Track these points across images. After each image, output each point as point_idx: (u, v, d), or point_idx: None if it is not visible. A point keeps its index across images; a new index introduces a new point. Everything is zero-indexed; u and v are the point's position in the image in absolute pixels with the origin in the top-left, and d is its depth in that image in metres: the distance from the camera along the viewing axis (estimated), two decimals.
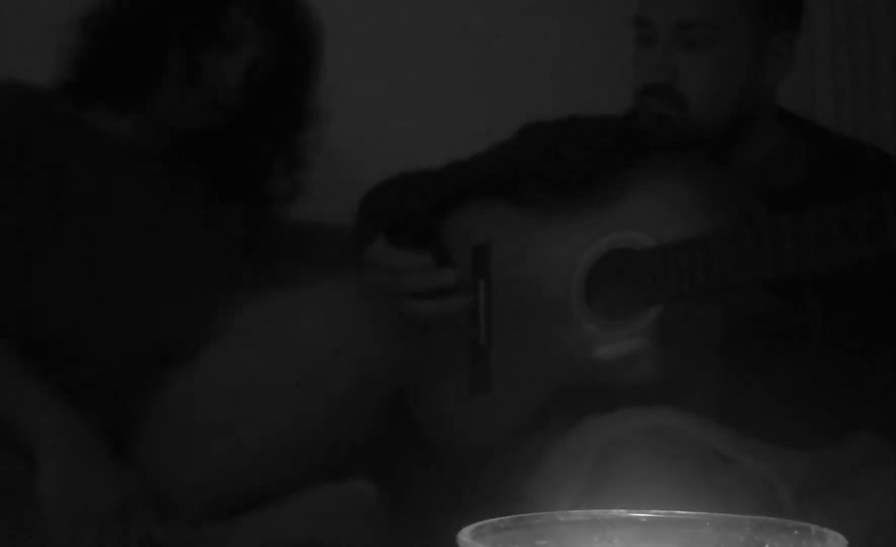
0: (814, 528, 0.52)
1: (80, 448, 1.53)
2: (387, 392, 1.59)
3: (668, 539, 0.54)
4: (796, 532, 0.52)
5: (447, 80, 2.31)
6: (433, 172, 1.87)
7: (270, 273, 1.79)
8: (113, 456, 1.56)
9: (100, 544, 1.48)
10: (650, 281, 1.61)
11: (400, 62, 2.30)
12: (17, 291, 1.64)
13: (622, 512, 0.55)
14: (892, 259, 1.48)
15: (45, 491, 1.48)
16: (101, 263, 1.68)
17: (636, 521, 0.55)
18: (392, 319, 1.62)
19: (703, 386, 1.60)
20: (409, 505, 1.59)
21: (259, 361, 1.57)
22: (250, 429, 1.54)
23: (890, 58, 2.41)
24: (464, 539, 0.51)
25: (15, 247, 1.64)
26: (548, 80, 2.32)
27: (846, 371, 1.63)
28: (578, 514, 0.54)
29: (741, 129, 1.70)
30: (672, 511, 0.55)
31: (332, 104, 2.26)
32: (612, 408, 1.57)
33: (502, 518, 0.53)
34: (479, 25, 2.34)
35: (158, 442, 1.59)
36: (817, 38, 2.38)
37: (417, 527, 1.52)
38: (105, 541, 1.48)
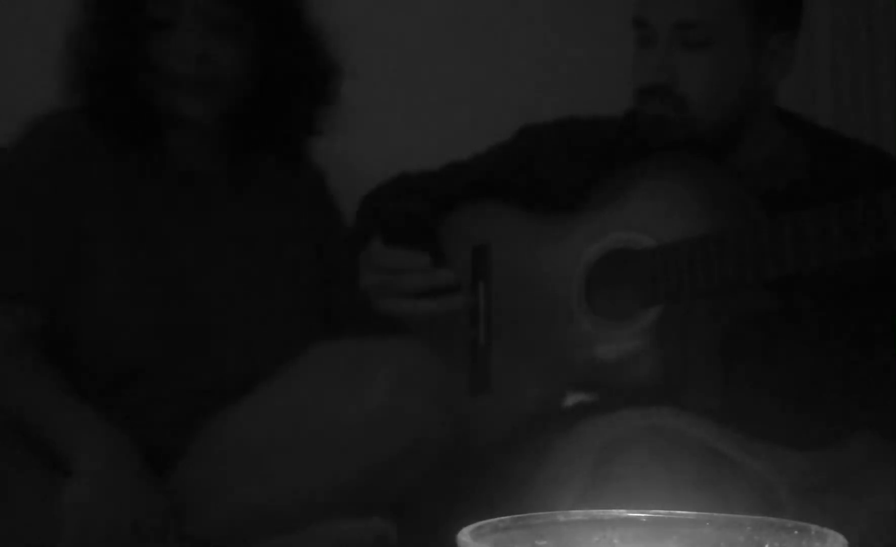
0: (814, 528, 0.52)
1: (112, 464, 1.52)
2: (435, 457, 1.56)
3: (668, 539, 0.54)
4: (796, 532, 0.52)
5: (447, 81, 2.31)
6: (432, 173, 1.87)
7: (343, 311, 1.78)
8: (149, 475, 1.55)
9: None
10: (650, 281, 1.61)
11: (399, 63, 2.29)
12: (92, 310, 1.64)
13: (622, 512, 0.55)
14: (891, 259, 1.48)
15: (68, 498, 1.48)
16: (177, 285, 1.67)
17: (636, 521, 0.55)
18: (447, 386, 1.59)
19: (703, 386, 1.60)
20: (409, 505, 1.59)
21: (313, 407, 1.55)
22: (292, 472, 1.53)
23: (890, 58, 2.41)
24: (464, 539, 0.51)
25: (92, 268, 1.64)
26: (547, 80, 2.32)
27: (846, 371, 1.63)
28: (578, 514, 0.54)
29: (741, 130, 1.70)
30: (672, 511, 0.55)
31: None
32: (612, 408, 1.57)
33: (502, 518, 0.53)
34: (478, 26, 2.34)
35: (201, 466, 1.57)
36: (817, 38, 2.38)
37: (418, 527, 1.52)
38: None
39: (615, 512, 0.55)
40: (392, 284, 1.71)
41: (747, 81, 1.69)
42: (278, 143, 1.76)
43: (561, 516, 0.54)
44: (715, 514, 0.54)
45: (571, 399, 1.66)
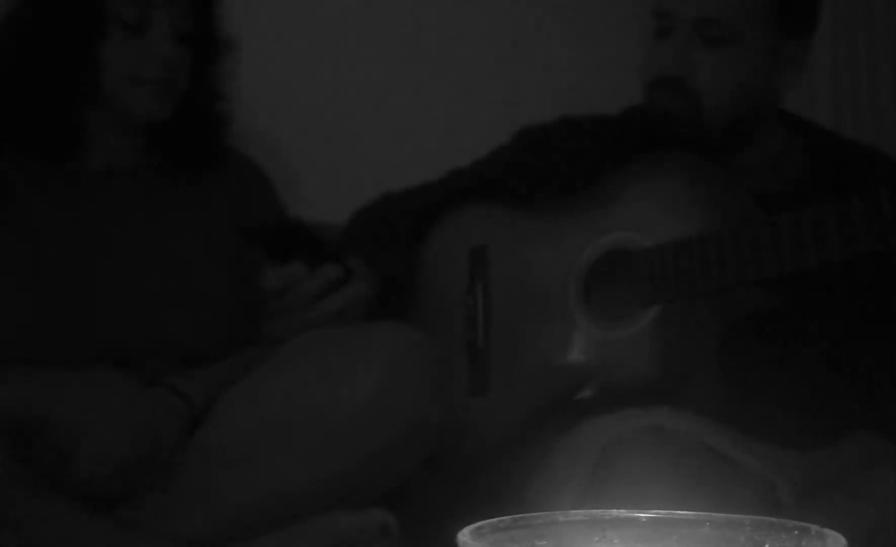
0: (814, 528, 0.52)
1: (106, 383, 1.54)
2: (431, 443, 1.55)
3: (668, 539, 0.54)
4: (796, 532, 0.52)
5: (447, 83, 2.31)
6: (416, 189, 1.86)
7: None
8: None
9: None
10: (649, 281, 1.61)
11: (399, 64, 2.30)
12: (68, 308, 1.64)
13: (622, 512, 0.55)
14: (890, 258, 1.48)
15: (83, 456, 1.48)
16: (128, 288, 1.68)
17: (636, 521, 0.55)
18: (440, 370, 1.57)
19: (702, 386, 1.60)
20: (409, 506, 1.59)
21: (304, 396, 1.52)
22: (285, 464, 1.50)
23: (890, 59, 2.41)
24: (464, 539, 0.51)
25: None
26: (547, 81, 2.32)
27: (845, 371, 1.63)
28: (578, 514, 0.54)
29: (748, 133, 1.70)
30: (672, 511, 0.55)
31: (333, 104, 2.26)
32: (611, 408, 1.57)
33: (502, 518, 0.53)
34: (478, 27, 2.34)
35: (190, 463, 1.55)
36: (817, 38, 2.38)
37: (418, 527, 1.52)
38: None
39: (615, 512, 0.55)
40: (283, 306, 1.65)
41: (760, 84, 1.68)
42: (195, 144, 1.80)
43: (561, 516, 0.54)
44: (715, 514, 0.54)
45: (570, 399, 1.66)
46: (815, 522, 0.52)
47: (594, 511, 0.54)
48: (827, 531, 0.52)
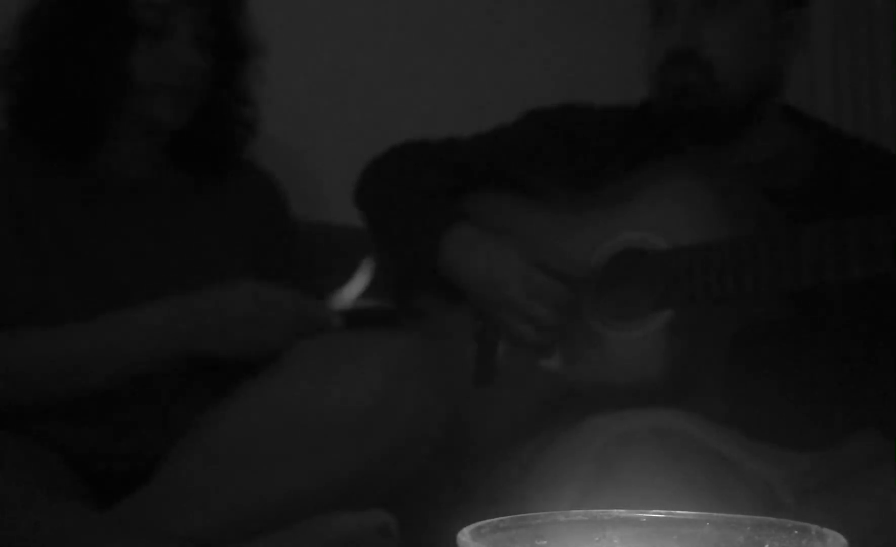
0: (814, 528, 0.52)
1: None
2: (433, 446, 1.56)
3: (668, 539, 0.54)
4: (796, 532, 0.52)
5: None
6: (442, 146, 1.86)
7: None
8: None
9: None
10: (664, 284, 1.61)
11: (401, 60, 2.30)
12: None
13: (622, 512, 0.55)
14: None
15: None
16: (140, 287, 1.68)
17: (636, 521, 0.55)
18: (442, 374, 1.58)
19: (708, 389, 1.59)
20: (409, 506, 1.59)
21: (306, 401, 1.53)
22: (286, 468, 1.51)
23: (890, 58, 2.41)
24: (464, 539, 0.51)
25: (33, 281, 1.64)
26: (547, 69, 2.32)
27: (848, 372, 1.63)
28: (578, 514, 0.54)
29: (755, 108, 1.69)
30: (672, 511, 0.55)
31: (334, 100, 2.26)
32: (616, 407, 1.57)
33: (502, 518, 0.53)
34: (479, 18, 2.34)
35: (191, 465, 1.55)
36: (817, 37, 2.38)
37: (418, 525, 1.52)
38: None
39: (615, 512, 0.55)
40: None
41: (767, 52, 1.68)
42: (215, 151, 1.81)
43: (561, 516, 0.54)
44: (715, 514, 0.54)
45: (574, 396, 1.65)
46: (815, 522, 0.52)
47: (594, 511, 0.54)
48: (827, 531, 0.52)
